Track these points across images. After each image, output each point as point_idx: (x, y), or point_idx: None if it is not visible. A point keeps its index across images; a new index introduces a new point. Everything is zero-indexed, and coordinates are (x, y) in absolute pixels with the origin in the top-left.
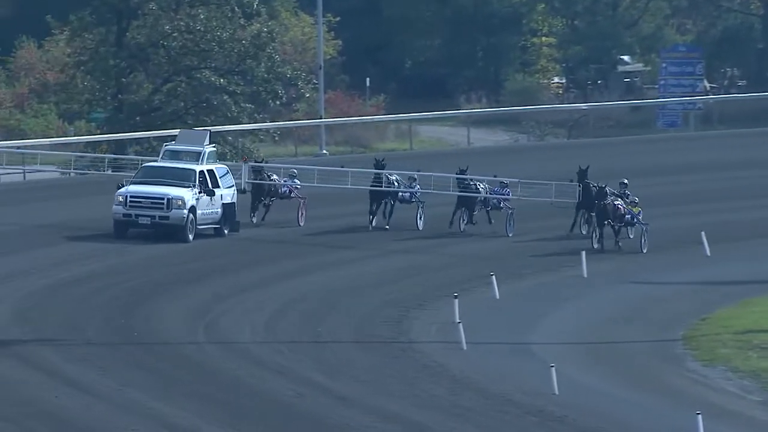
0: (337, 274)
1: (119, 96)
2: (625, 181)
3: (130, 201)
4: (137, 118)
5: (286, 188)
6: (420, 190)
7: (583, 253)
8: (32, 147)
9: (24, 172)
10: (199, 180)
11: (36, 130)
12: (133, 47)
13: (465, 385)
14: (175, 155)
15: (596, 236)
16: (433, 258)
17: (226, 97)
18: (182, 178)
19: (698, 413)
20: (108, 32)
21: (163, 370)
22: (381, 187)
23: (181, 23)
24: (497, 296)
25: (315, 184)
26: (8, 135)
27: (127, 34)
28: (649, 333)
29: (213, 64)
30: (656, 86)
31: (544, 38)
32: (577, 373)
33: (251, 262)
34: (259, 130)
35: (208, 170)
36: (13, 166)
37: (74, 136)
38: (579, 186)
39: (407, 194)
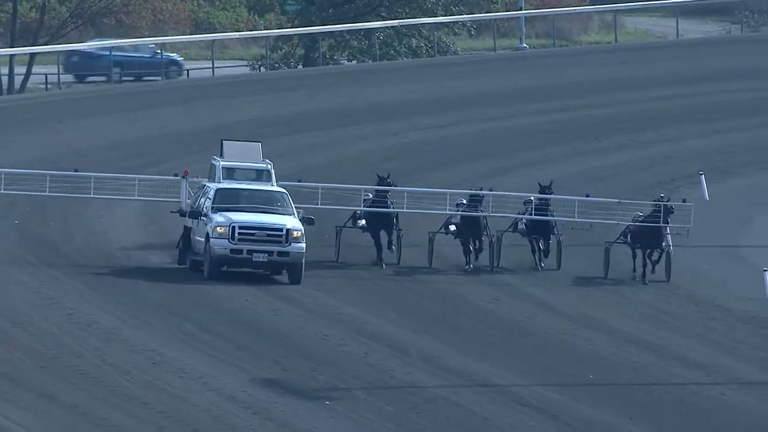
0: (535, 174)
1: None
2: (531, 198)
3: (240, 233)
4: (330, 11)
5: None
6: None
7: None
8: (221, 41)
9: (213, 68)
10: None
11: (225, 23)
12: None
13: (671, 291)
14: (230, 173)
15: (643, 265)
16: (635, 157)
17: None
18: (274, 203)
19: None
20: None
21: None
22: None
23: None
24: (706, 197)
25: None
26: (197, 29)
27: None
28: None
29: None
30: None
31: None
32: None
33: (443, 162)
34: (455, 22)
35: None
36: (202, 61)
37: (264, 30)
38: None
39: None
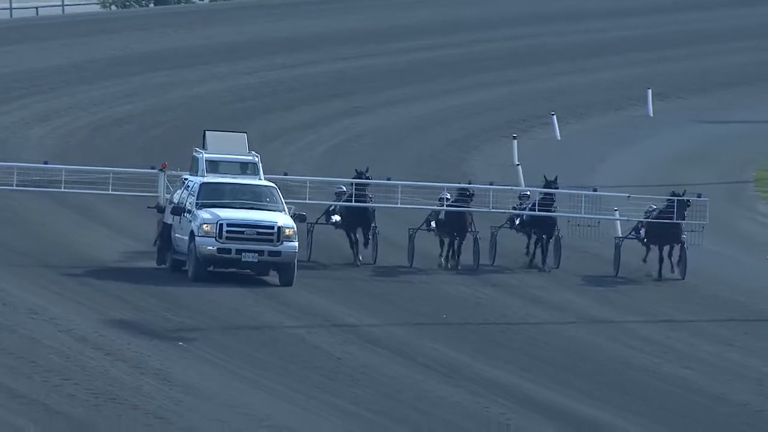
0: (392, 113)
1: None
2: (527, 192)
3: (228, 231)
4: None
5: None
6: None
7: (649, 91)
8: None
9: (63, 6)
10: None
11: None
12: None
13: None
14: (214, 167)
15: (660, 261)
16: (491, 96)
17: None
18: (263, 199)
19: None
20: None
21: None
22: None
23: None
24: (558, 137)
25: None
26: None
27: None
28: (719, 175)
29: None
30: None
31: None
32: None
33: (298, 101)
34: None
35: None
36: None
37: None
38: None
39: None
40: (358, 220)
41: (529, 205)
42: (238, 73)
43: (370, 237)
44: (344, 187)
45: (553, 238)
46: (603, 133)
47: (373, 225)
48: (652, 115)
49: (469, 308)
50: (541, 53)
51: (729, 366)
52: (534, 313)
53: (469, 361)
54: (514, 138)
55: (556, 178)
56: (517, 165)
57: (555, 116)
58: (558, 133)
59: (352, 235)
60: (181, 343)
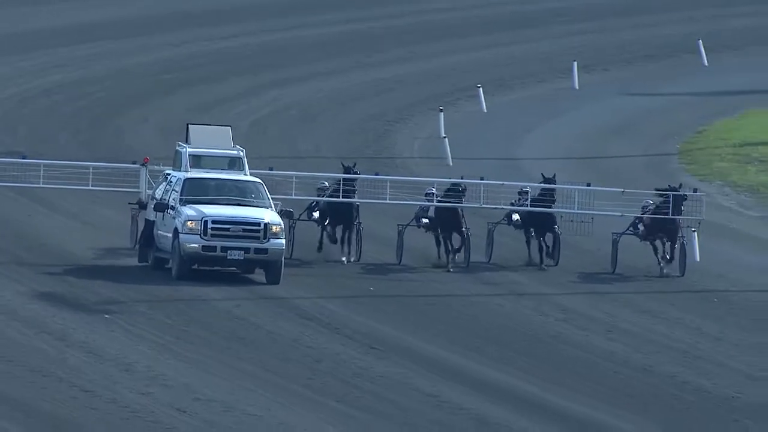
0: (317, 86)
1: None
2: (527, 188)
3: (213, 228)
4: None
5: None
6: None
7: (575, 63)
8: None
9: None
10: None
11: None
12: None
13: None
14: (198, 161)
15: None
16: (416, 69)
17: None
18: (249, 195)
19: (693, 230)
20: None
21: None
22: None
23: None
24: (484, 109)
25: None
26: None
27: None
28: (643, 146)
29: None
30: None
31: None
32: None
33: (233, 72)
34: None
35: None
36: None
37: None
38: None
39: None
40: (340, 216)
41: (525, 202)
42: (165, 45)
43: (351, 236)
44: (326, 183)
45: (553, 235)
46: (529, 105)
47: (357, 221)
48: (577, 87)
49: (384, 279)
50: (466, 26)
51: (656, 338)
52: (460, 285)
53: (394, 333)
54: (441, 111)
55: (554, 176)
56: (444, 137)
57: (481, 89)
58: (484, 106)
59: (334, 232)
60: (106, 316)
